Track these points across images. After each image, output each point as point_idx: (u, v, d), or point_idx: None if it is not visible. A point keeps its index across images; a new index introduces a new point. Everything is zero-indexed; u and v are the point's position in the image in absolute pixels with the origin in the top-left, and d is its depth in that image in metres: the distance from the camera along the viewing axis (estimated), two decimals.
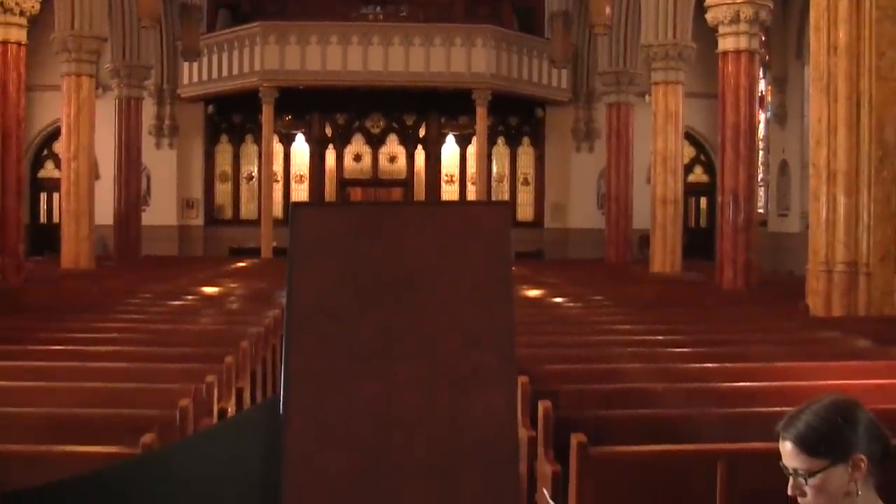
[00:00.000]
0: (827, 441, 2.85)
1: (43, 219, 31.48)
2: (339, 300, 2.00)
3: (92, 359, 8.66)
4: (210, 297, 15.72)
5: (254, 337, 10.34)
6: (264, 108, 28.32)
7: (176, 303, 14.60)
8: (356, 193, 32.46)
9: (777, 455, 2.96)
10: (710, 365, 8.55)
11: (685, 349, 9.60)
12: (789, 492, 2.92)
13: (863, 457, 2.85)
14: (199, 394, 7.09)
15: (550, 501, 3.44)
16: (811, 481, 2.88)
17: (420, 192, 32.25)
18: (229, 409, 7.96)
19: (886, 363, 8.55)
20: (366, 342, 1.97)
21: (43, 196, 31.55)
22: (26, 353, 9.00)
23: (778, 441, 2.95)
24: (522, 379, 7.53)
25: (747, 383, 7.71)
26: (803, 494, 2.90)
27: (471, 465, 1.90)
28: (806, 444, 2.87)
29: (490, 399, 1.93)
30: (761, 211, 26.87)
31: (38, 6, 17.80)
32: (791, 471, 2.91)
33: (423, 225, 2.06)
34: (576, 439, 5.79)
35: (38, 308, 13.26)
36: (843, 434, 2.86)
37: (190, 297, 15.62)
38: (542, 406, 6.72)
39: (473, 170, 30.90)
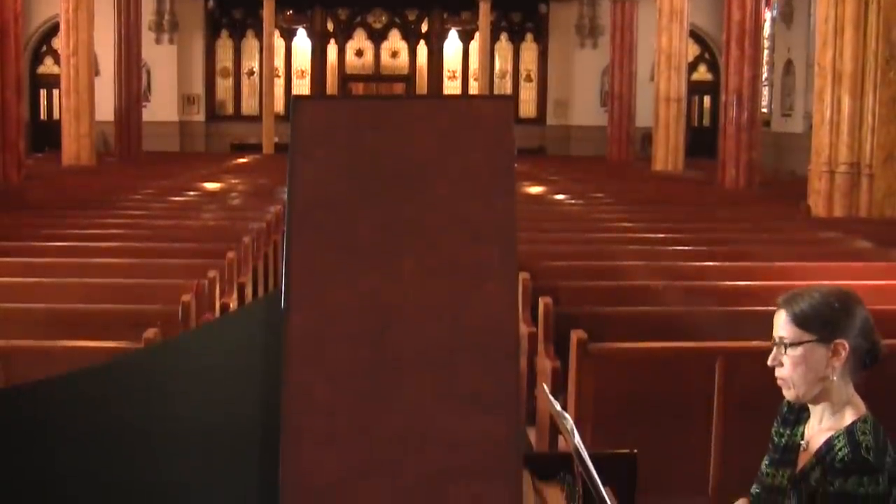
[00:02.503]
0: (817, 317, 2.95)
1: (43, 115, 31.30)
2: (340, 194, 2.00)
3: (94, 255, 8.68)
4: (212, 193, 15.72)
5: (255, 232, 10.36)
6: (265, 2, 28.02)
7: (178, 199, 14.59)
8: (358, 89, 32.28)
9: None
10: (710, 263, 8.58)
11: (686, 247, 9.62)
12: (769, 361, 3.04)
13: (845, 343, 2.93)
14: (201, 289, 7.11)
15: (550, 397, 3.47)
16: (791, 351, 2.98)
17: (422, 88, 32.08)
18: (231, 305, 8.00)
19: (886, 264, 8.58)
20: (367, 235, 1.97)
21: (43, 93, 31.33)
22: (28, 249, 9.02)
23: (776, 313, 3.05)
24: (523, 275, 7.55)
25: (747, 282, 7.73)
26: (780, 365, 3.00)
27: (471, 358, 1.91)
28: (797, 315, 2.98)
29: (491, 293, 1.93)
30: (765, 111, 26.72)
31: None
32: (777, 339, 3.01)
33: (426, 118, 2.04)
34: (576, 335, 5.82)
35: (40, 205, 13.26)
36: (834, 317, 2.95)
37: (192, 193, 15.62)
38: (543, 302, 6.75)
39: (476, 66, 30.71)
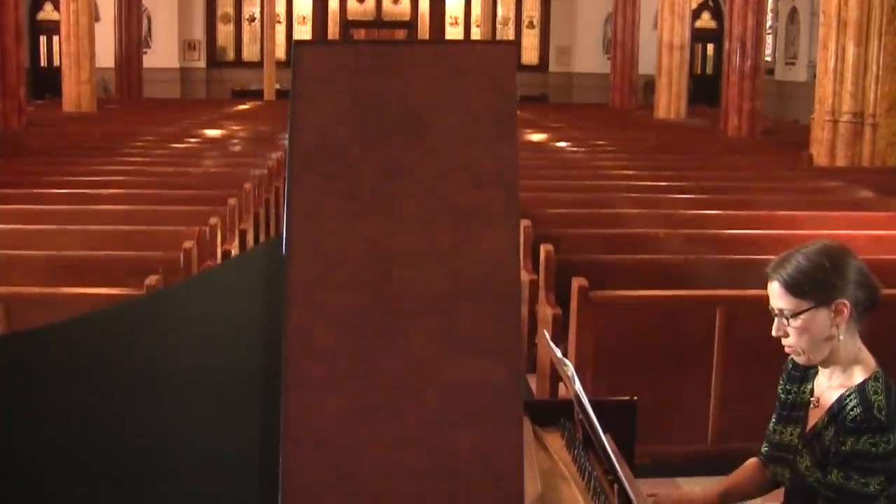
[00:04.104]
0: (812, 283, 2.91)
1: (43, 62, 31.15)
2: (341, 139, 1.99)
3: (95, 202, 8.67)
4: (213, 140, 15.67)
5: (257, 179, 10.35)
6: None
7: (179, 145, 14.55)
8: (359, 35, 32.10)
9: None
10: (711, 212, 8.57)
11: (687, 195, 9.61)
12: (773, 333, 3.00)
13: (846, 302, 2.90)
14: (202, 236, 7.11)
15: (551, 344, 3.48)
16: (794, 322, 2.94)
17: (424, 35, 31.91)
18: (233, 251, 8.01)
19: (888, 214, 8.56)
20: (368, 180, 1.96)
21: (43, 39, 31.15)
22: (29, 196, 9.01)
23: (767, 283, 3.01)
24: (525, 222, 7.54)
25: (748, 231, 7.73)
26: (786, 335, 2.98)
27: (472, 304, 1.91)
28: (792, 285, 2.93)
29: (492, 238, 1.93)
30: (768, 59, 26.58)
31: None
32: (776, 311, 2.97)
33: (427, 63, 2.03)
34: (577, 283, 5.84)
35: (41, 151, 13.23)
36: (829, 278, 2.90)
37: (193, 139, 15.57)
38: (544, 249, 6.75)
39: (478, 12, 30.52)
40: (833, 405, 2.96)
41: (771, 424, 3.25)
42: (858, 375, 2.95)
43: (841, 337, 2.93)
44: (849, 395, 2.92)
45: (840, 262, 2.93)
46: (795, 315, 2.93)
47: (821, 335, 2.93)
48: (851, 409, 2.88)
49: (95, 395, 2.39)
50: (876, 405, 2.85)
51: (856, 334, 2.98)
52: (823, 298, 2.90)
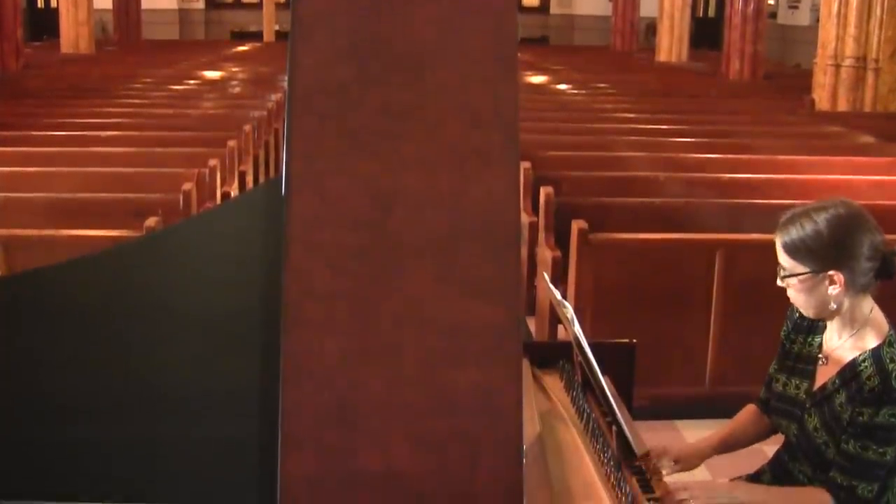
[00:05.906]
0: (807, 250, 2.87)
1: (40, 3, 30.93)
2: (341, 79, 1.98)
3: (94, 144, 8.65)
4: (212, 82, 15.59)
5: (256, 121, 10.31)
6: None
7: (178, 87, 14.47)
8: None
9: (774, 247, 2.99)
10: (712, 155, 8.55)
11: (688, 139, 9.59)
12: (778, 283, 2.97)
13: (839, 274, 2.85)
14: (202, 177, 7.10)
15: (550, 285, 3.48)
16: (790, 281, 2.93)
17: None
18: (232, 193, 8.00)
19: (889, 159, 8.53)
20: (368, 121, 1.95)
21: None
22: (28, 138, 8.98)
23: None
24: (525, 165, 7.53)
25: (749, 175, 7.71)
26: (788, 287, 2.96)
27: (471, 245, 1.91)
28: (789, 248, 2.91)
29: (492, 179, 1.92)
30: (771, 2, 26.37)
31: None
32: (779, 265, 2.96)
33: (428, 2, 2.01)
34: (576, 225, 5.84)
35: (39, 93, 13.16)
36: (824, 249, 2.86)
37: (192, 81, 15.49)
38: (544, 192, 6.75)
39: None
40: (846, 369, 2.92)
41: (772, 371, 3.21)
42: (871, 339, 2.91)
43: (834, 306, 2.90)
44: (863, 362, 2.87)
45: (844, 233, 2.86)
46: (792, 276, 2.92)
47: (817, 299, 2.91)
48: (868, 379, 2.83)
49: (96, 335, 2.40)
50: (893, 375, 2.80)
51: (866, 297, 2.93)
52: (817, 267, 2.87)
